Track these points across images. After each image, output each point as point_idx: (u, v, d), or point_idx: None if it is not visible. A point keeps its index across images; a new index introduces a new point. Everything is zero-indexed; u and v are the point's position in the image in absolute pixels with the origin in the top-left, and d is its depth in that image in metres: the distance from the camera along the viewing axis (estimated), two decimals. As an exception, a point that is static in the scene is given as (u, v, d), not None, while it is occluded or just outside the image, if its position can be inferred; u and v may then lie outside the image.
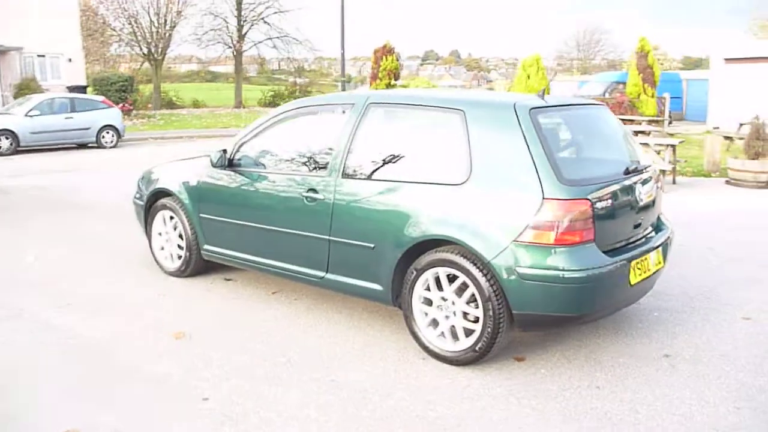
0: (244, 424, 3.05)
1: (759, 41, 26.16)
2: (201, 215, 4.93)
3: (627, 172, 3.80)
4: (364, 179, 3.99)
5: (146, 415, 3.14)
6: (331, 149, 4.19)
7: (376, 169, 3.98)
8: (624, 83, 22.08)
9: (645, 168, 4.04)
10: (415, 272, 3.74)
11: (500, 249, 3.40)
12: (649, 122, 16.37)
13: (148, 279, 5.27)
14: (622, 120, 15.82)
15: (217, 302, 4.73)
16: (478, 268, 3.48)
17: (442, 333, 3.71)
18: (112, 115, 16.78)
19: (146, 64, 33.21)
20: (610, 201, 3.55)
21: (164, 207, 5.26)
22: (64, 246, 6.31)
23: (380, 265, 3.88)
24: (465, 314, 3.63)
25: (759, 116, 11.00)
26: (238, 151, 4.74)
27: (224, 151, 4.72)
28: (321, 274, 4.24)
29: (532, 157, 3.42)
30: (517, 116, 3.55)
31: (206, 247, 4.99)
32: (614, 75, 24.50)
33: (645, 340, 4.05)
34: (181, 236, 5.19)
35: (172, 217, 5.23)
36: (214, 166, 4.72)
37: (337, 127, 4.22)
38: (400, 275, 3.85)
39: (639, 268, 3.67)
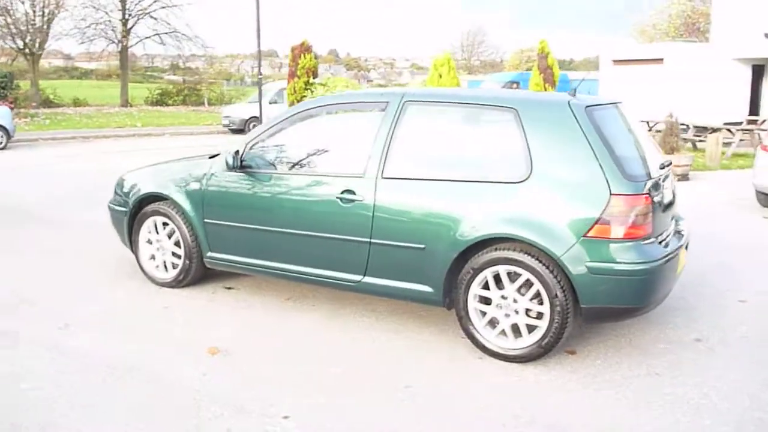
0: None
1: (643, 44, 28.33)
2: (206, 221, 4.61)
3: (662, 166, 3.99)
4: (410, 179, 3.90)
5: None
6: (366, 148, 4.05)
7: (423, 169, 3.91)
8: (518, 83, 23.18)
9: (669, 163, 4.25)
10: (471, 271, 3.70)
11: (570, 245, 3.45)
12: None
13: (141, 291, 4.85)
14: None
15: (231, 313, 4.45)
16: (543, 264, 3.51)
17: (503, 331, 3.71)
18: (1, 114, 15.29)
19: (20, 59, 30.46)
20: (658, 195, 3.71)
21: (155, 213, 4.86)
22: (23, 259, 5.67)
23: (431, 265, 3.82)
24: (527, 311, 3.64)
25: (672, 114, 11.94)
26: (249, 151, 4.47)
27: (237, 152, 4.44)
28: (357, 277, 4.10)
29: (594, 154, 3.50)
30: (574, 114, 3.62)
31: (211, 254, 4.68)
32: (510, 75, 25.60)
33: (671, 326, 4.26)
34: (177, 244, 4.82)
35: (165, 224, 4.85)
36: (230, 168, 4.41)
37: (372, 126, 4.10)
38: (451, 275, 3.80)
39: (681, 259, 3.87)
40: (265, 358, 3.74)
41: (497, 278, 3.69)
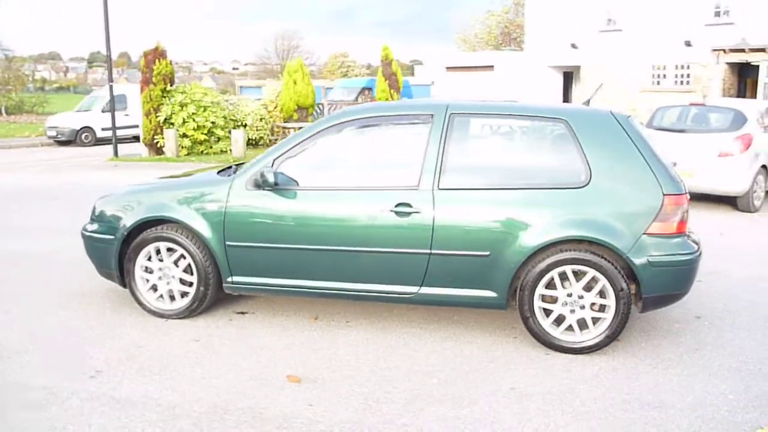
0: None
1: (472, 53, 30.49)
2: (229, 244, 4.30)
3: (674, 164, 4.53)
4: (469, 189, 4.03)
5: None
6: (416, 160, 4.10)
7: (481, 178, 4.05)
8: (370, 89, 23.81)
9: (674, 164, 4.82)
10: (538, 273, 3.93)
11: (634, 242, 3.82)
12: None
13: (147, 326, 4.39)
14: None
15: (270, 337, 4.22)
16: (608, 261, 3.85)
17: (569, 326, 3.99)
18: None
19: None
20: None
21: (159, 239, 4.42)
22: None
23: (496, 271, 3.98)
24: (592, 305, 3.96)
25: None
26: (279, 166, 4.27)
27: (270, 168, 4.20)
28: (413, 289, 4.13)
29: (645, 159, 3.92)
30: (620, 124, 4.01)
31: (233, 279, 4.38)
32: (362, 81, 26.13)
33: (669, 308, 4.84)
34: (186, 271, 4.45)
35: (171, 250, 4.44)
36: (263, 186, 4.17)
37: (419, 138, 4.15)
38: (515, 279, 4.00)
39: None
40: (352, 380, 3.64)
41: (562, 278, 3.95)
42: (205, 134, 15.51)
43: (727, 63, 20.74)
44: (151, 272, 4.53)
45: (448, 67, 24.74)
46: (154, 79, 14.99)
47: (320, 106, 19.61)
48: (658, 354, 4.02)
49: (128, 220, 4.47)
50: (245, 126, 16.71)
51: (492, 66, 23.66)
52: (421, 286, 4.12)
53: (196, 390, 3.47)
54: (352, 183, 4.22)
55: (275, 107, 18.06)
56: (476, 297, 4.07)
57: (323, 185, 4.24)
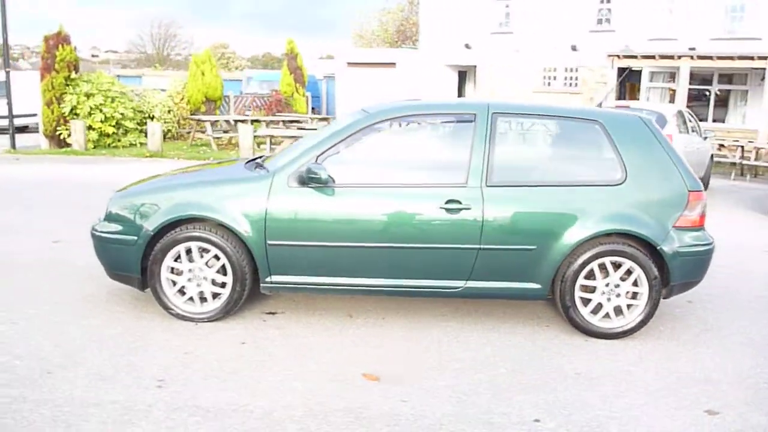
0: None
1: (374, 49, 30.68)
2: (270, 242, 4.19)
3: None
4: (516, 185, 4.21)
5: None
6: (462, 158, 4.22)
7: (525, 175, 4.25)
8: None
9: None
10: (579, 265, 4.20)
11: (665, 235, 4.19)
12: (319, 120, 17.86)
13: (180, 331, 4.17)
14: (294, 121, 17.11)
15: (318, 336, 4.16)
16: (643, 252, 4.19)
17: (607, 314, 4.29)
18: None
19: None
20: None
21: (190, 238, 4.22)
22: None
23: (541, 264, 4.20)
24: (626, 293, 4.28)
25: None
26: (322, 163, 4.22)
27: (315, 166, 4.14)
28: (460, 283, 4.25)
29: (670, 158, 4.29)
30: (647, 126, 4.36)
31: (273, 278, 4.27)
32: (272, 74, 25.57)
33: (661, 294, 5.32)
34: (219, 271, 4.28)
35: (203, 250, 4.25)
36: (316, 183, 4.10)
37: (464, 136, 4.27)
38: (558, 270, 4.24)
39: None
40: (427, 374, 3.70)
41: (601, 269, 4.24)
42: (114, 126, 14.56)
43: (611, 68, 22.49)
44: (179, 274, 4.31)
45: (349, 63, 24.83)
46: (56, 66, 13.85)
47: (227, 98, 19.04)
48: (677, 336, 4.42)
49: (156, 219, 4.21)
50: (152, 118, 15.87)
51: (394, 63, 24.05)
52: (467, 280, 4.24)
53: (281, 394, 3.38)
54: (400, 180, 4.26)
55: (182, 99, 17.30)
56: (521, 289, 4.27)
57: (370, 182, 4.24)
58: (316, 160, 4.21)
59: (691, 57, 16.53)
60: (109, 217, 4.37)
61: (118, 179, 10.26)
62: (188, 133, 16.40)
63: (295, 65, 21.14)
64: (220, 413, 3.17)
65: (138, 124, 15.04)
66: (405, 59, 24.38)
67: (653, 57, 17.38)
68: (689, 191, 4.26)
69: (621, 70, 20.05)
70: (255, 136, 12.94)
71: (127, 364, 3.67)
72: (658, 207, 4.23)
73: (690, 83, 21.32)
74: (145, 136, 14.65)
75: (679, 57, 16.74)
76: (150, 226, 4.21)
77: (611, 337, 4.28)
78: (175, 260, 4.28)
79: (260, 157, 5.26)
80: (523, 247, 4.18)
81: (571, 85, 23.96)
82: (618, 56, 17.53)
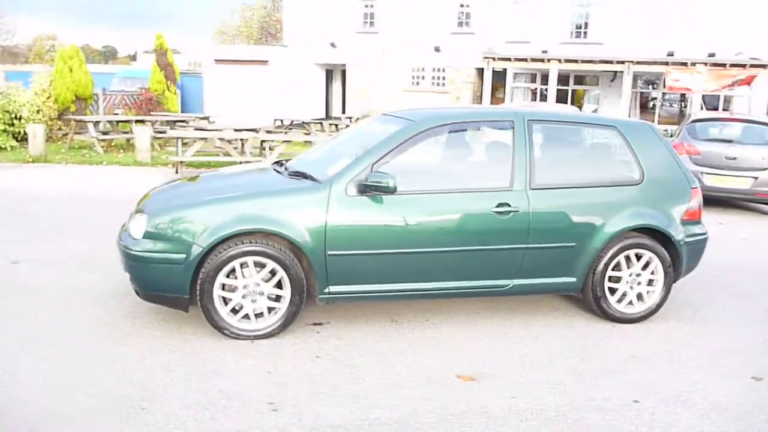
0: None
1: (245, 46, 29.62)
2: (330, 252, 4.15)
3: None
4: (557, 188, 4.53)
5: None
6: (506, 163, 4.47)
7: (563, 178, 4.59)
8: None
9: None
10: (609, 258, 4.62)
11: (677, 227, 4.74)
12: (200, 119, 17.23)
13: (244, 350, 4.00)
14: (180, 121, 16.40)
15: (388, 344, 4.18)
16: (660, 244, 4.71)
17: (630, 302, 4.76)
18: None
19: None
20: None
21: (246, 253, 4.05)
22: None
23: (579, 259, 4.57)
24: (646, 281, 4.78)
25: (370, 111, 13.77)
26: (378, 171, 4.24)
27: (377, 175, 4.15)
28: (507, 282, 4.51)
29: (674, 158, 4.86)
30: (654, 131, 4.89)
31: (331, 289, 4.23)
32: (136, 71, 23.80)
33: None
34: (277, 285, 4.16)
35: (258, 264, 4.10)
36: (379, 191, 4.11)
37: (504, 142, 4.52)
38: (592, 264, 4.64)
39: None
40: (515, 371, 3.89)
41: (627, 260, 4.69)
42: (-23, 129, 12.93)
43: (476, 68, 23.90)
44: (232, 290, 4.11)
45: (217, 60, 23.98)
46: None
47: (96, 96, 17.59)
48: (683, 315, 5.00)
49: (210, 235, 3.98)
50: (20, 119, 14.28)
51: (266, 61, 23.61)
52: (514, 279, 4.50)
53: (397, 401, 3.41)
54: (453, 186, 4.40)
55: (48, 97, 15.72)
56: (559, 283, 4.61)
57: (428, 189, 4.33)
58: (372, 169, 4.22)
59: (559, 60, 18.10)
60: (150, 235, 4.05)
61: (8, 188, 9.22)
62: (65, 135, 14.96)
63: (165, 61, 19.97)
64: (353, 428, 3.14)
65: (6, 125, 13.46)
66: (278, 57, 24.04)
67: (525, 60, 18.77)
68: (691, 188, 4.85)
69: (483, 71, 21.39)
70: (155, 137, 12.16)
71: (219, 390, 3.47)
72: (670, 203, 4.76)
73: (544, 84, 23.31)
74: (16, 139, 13.19)
75: (549, 60, 18.25)
76: (203, 242, 3.98)
77: (633, 322, 4.75)
78: (226, 276, 4.08)
79: (277, 162, 5.17)
80: (564, 245, 4.51)
81: (438, 84, 25.10)
82: (493, 58, 18.69)
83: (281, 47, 25.45)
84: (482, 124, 4.69)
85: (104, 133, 14.82)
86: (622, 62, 17.52)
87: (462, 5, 25.31)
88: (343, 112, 26.14)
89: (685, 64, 17.17)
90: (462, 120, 4.64)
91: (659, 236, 4.71)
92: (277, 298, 4.19)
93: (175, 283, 4.03)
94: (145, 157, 12.38)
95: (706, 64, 16.78)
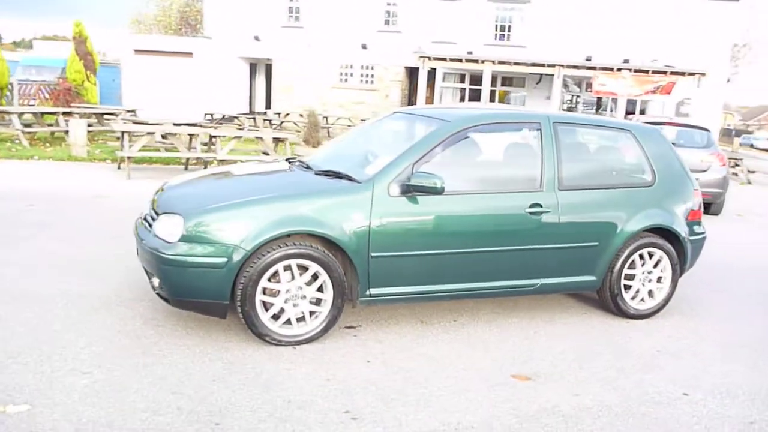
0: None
1: (168, 37, 28.20)
2: (373, 254, 4.07)
3: None
4: (580, 189, 4.65)
5: None
6: (534, 164, 4.55)
7: (586, 179, 4.72)
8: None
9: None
10: (625, 257, 4.81)
11: (684, 226, 5.00)
12: (127, 111, 16.42)
13: (291, 358, 3.85)
14: (108, 113, 15.58)
15: (431, 347, 4.15)
16: (669, 242, 4.95)
17: (642, 299, 4.97)
18: None
19: None
20: None
21: (290, 256, 3.89)
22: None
23: (600, 259, 4.72)
24: (656, 279, 5.01)
25: (315, 110, 13.56)
26: (418, 173, 4.20)
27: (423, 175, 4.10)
28: (535, 281, 4.59)
29: (679, 161, 5.12)
30: (661, 135, 5.12)
31: (372, 291, 4.15)
32: (61, 61, 22.11)
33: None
34: (320, 289, 4.04)
35: (302, 267, 3.96)
36: (424, 192, 4.05)
37: (533, 143, 4.59)
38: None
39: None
40: (566, 367, 3.96)
41: (641, 258, 4.90)
42: None
43: (405, 67, 24.11)
44: (273, 295, 3.94)
45: (137, 50, 22.80)
46: None
47: (11, 85, 16.33)
48: (682, 311, 5.27)
49: (253, 237, 3.79)
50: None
51: (191, 53, 22.72)
52: (541, 278, 4.59)
53: (472, 406, 3.40)
54: (488, 186, 4.42)
55: (-41, 86, 14.43)
56: (582, 282, 4.74)
57: (464, 189, 4.33)
58: (413, 169, 4.16)
59: (493, 62, 18.57)
60: (187, 238, 3.80)
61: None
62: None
63: (84, 50, 18.87)
64: (447, 434, 3.10)
65: None
66: (202, 49, 23.21)
67: (460, 60, 19.11)
68: (694, 189, 5.12)
69: (418, 70, 21.62)
70: (90, 131, 11.42)
71: (287, 401, 3.32)
72: (677, 203, 5.01)
73: (472, 84, 23.88)
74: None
75: (483, 61, 18.69)
76: (247, 245, 3.78)
77: (644, 318, 4.97)
78: (268, 280, 3.91)
79: (291, 159, 5.04)
80: (589, 244, 4.64)
81: (367, 82, 25.11)
82: (429, 58, 18.91)
83: (206, 39, 24.57)
84: (512, 126, 4.74)
85: (27, 126, 13.76)
86: (553, 66, 18.24)
87: (389, 3, 25.43)
88: (269, 108, 25.65)
89: (611, 69, 18.10)
90: (493, 121, 4.66)
91: (669, 235, 4.94)
92: (317, 302, 4.05)
93: (214, 288, 3.81)
94: (81, 152, 11.61)
95: (630, 69, 17.76)
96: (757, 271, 6.89)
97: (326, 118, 20.74)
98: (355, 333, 4.30)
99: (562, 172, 4.58)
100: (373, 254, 4.05)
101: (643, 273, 4.93)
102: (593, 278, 4.75)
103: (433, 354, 4.05)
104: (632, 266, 4.88)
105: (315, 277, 4.00)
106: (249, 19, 25.67)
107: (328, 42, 24.96)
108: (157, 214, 4.12)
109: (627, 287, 4.91)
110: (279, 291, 3.94)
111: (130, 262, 5.48)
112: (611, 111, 21.82)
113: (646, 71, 17.88)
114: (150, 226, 4.14)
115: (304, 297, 4.00)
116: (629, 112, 19.61)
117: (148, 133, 10.42)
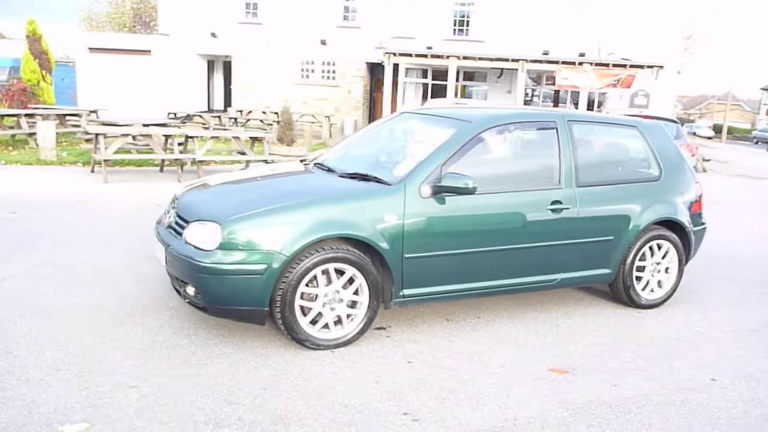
0: None
1: (125, 34, 27.35)
2: (407, 256, 4.11)
3: None
4: (595, 185, 4.79)
5: None
6: (552, 161, 4.66)
7: (600, 175, 4.86)
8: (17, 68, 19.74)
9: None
10: (636, 249, 4.98)
11: (688, 218, 5.20)
12: (90, 113, 15.99)
13: (329, 360, 3.86)
14: (65, 115, 15.14)
15: (465, 345, 4.22)
16: (675, 233, 5.15)
17: (652, 289, 5.15)
18: None
19: None
20: None
21: (328, 260, 3.90)
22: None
23: (614, 252, 4.88)
24: (664, 269, 5.20)
25: (288, 108, 13.43)
26: (447, 172, 4.25)
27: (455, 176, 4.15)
28: (556, 276, 4.72)
29: (680, 156, 5.32)
30: (664, 130, 5.32)
31: (406, 292, 4.20)
32: (8, 60, 21.17)
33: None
34: (355, 292, 4.06)
35: (339, 271, 3.98)
36: (467, 191, 4.09)
37: (549, 142, 4.70)
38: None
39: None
40: (597, 360, 4.09)
41: (651, 250, 5.08)
42: None
43: (366, 63, 24.09)
44: (311, 299, 3.94)
45: (92, 48, 22.08)
46: None
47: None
48: (684, 299, 5.49)
49: (293, 242, 3.78)
50: None
51: (149, 51, 22.14)
52: (561, 273, 4.71)
53: (522, 401, 3.48)
54: (512, 185, 4.51)
55: None
56: (597, 275, 4.89)
57: (488, 188, 4.39)
58: (441, 170, 4.21)
59: (458, 57, 18.73)
60: (225, 245, 3.76)
61: None
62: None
63: (39, 49, 18.20)
64: (503, 430, 3.17)
65: None
66: (160, 47, 22.66)
67: (426, 56, 19.21)
68: (695, 182, 5.33)
69: (375, 66, 21.62)
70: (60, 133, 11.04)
71: (344, 405, 3.34)
72: (682, 196, 5.21)
73: (434, 80, 24.04)
74: None
75: (448, 57, 18.83)
76: (287, 250, 3.77)
77: (654, 307, 5.16)
78: (306, 285, 3.91)
79: (302, 160, 5.06)
80: (605, 238, 4.79)
81: (329, 78, 24.99)
82: (394, 53, 18.95)
83: (163, 36, 23.99)
84: (530, 125, 4.83)
85: (-16, 129, 13.20)
86: (517, 60, 18.53)
87: (347, -1, 25.32)
88: (229, 105, 25.27)
89: (573, 63, 18.50)
90: (512, 121, 4.74)
91: (675, 227, 5.13)
92: (352, 305, 4.07)
93: (254, 295, 3.78)
94: (50, 156, 11.23)
95: (592, 63, 18.20)
96: (738, 259, 7.20)
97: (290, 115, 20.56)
98: (387, 334, 4.33)
99: (578, 169, 4.70)
100: (406, 255, 4.09)
101: (652, 264, 5.11)
102: (608, 271, 4.91)
103: (468, 351, 4.12)
104: (643, 258, 5.05)
105: (350, 280, 4.01)
106: (205, 15, 25.17)
107: (288, 38, 24.72)
108: (185, 221, 4.06)
109: (638, 278, 5.08)
110: (317, 295, 3.94)
111: (139, 269, 5.40)
112: (573, 104, 22.34)
113: (607, 65, 18.35)
114: (177, 233, 4.08)
115: (341, 300, 4.01)
116: (574, 104, 20.06)
117: (123, 135, 10.15)
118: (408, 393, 3.50)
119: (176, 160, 10.45)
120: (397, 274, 4.10)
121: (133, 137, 11.61)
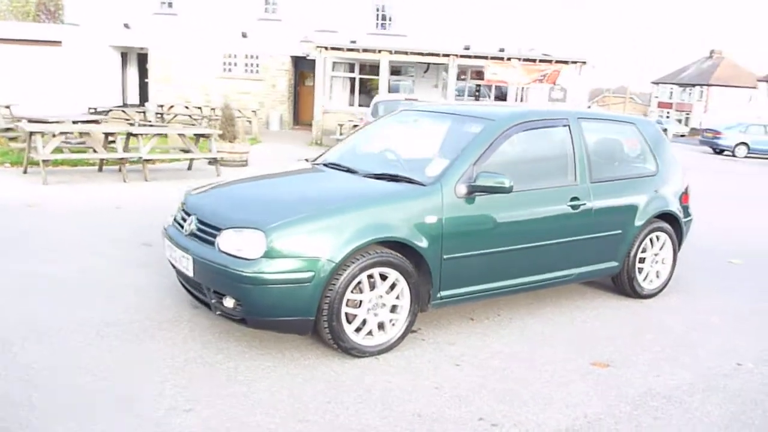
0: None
1: (31, 24, 25.24)
2: (446, 257, 4.06)
3: None
4: (605, 181, 4.92)
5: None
6: (567, 158, 4.76)
7: (608, 171, 5.01)
8: None
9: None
10: (639, 241, 5.17)
11: (680, 210, 5.45)
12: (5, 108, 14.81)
13: (375, 367, 3.75)
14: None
15: (502, 344, 4.21)
16: (671, 225, 5.39)
17: (651, 279, 5.36)
18: None
19: None
20: None
21: (374, 264, 3.77)
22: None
23: (622, 245, 5.05)
24: (661, 260, 5.42)
25: (230, 105, 12.92)
26: (480, 172, 4.23)
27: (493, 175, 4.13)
28: (572, 271, 4.82)
29: (671, 150, 5.57)
30: (656, 126, 5.54)
31: (443, 293, 4.15)
32: None
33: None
34: (397, 297, 3.97)
35: (383, 275, 3.88)
36: (504, 190, 4.07)
37: (563, 139, 4.79)
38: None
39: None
40: (630, 352, 4.18)
41: (651, 242, 5.28)
42: None
43: (291, 56, 23.63)
44: (356, 306, 3.82)
45: (-7, 38, 20.39)
46: None
47: None
48: (676, 288, 5.74)
49: (340, 248, 3.64)
50: None
51: (60, 41, 20.67)
52: (576, 267, 4.82)
53: (584, 399, 3.53)
54: (536, 182, 4.55)
55: None
56: (606, 268, 5.04)
57: (517, 187, 4.39)
58: (473, 170, 4.19)
59: (390, 51, 18.70)
60: (270, 253, 3.56)
61: None
62: None
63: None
64: (579, 429, 3.20)
65: None
66: (72, 38, 21.24)
67: (357, 50, 19.06)
68: (683, 175, 5.60)
69: (299, 59, 21.27)
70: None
71: (416, 415, 3.25)
72: (674, 189, 5.45)
73: (361, 74, 23.98)
74: None
75: (380, 51, 18.76)
76: (335, 256, 3.62)
77: (652, 297, 5.38)
78: (351, 291, 3.78)
79: (307, 159, 4.95)
80: (615, 232, 4.94)
81: (252, 71, 24.35)
82: (326, 47, 18.66)
83: (73, 26, 22.48)
84: (547, 123, 4.86)
85: None
86: (447, 55, 18.75)
87: (268, -10, 24.73)
88: (146, 100, 24.09)
89: (501, 59, 18.93)
90: (532, 119, 4.75)
91: (670, 219, 5.36)
92: (393, 309, 3.98)
93: (301, 304, 3.61)
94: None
95: (520, 59, 18.69)
96: (714, 250, 7.62)
97: (213, 109, 19.88)
98: (421, 337, 4.26)
99: (591, 166, 4.81)
100: (445, 256, 4.04)
101: (652, 255, 5.31)
102: (616, 264, 5.06)
103: (507, 351, 4.12)
104: (644, 250, 5.25)
105: (392, 285, 3.92)
106: (116, 5, 23.81)
107: (207, 30, 23.84)
108: (215, 228, 3.81)
109: (640, 269, 5.27)
110: (361, 302, 3.82)
111: (132, 278, 5.08)
112: (494, 99, 22.90)
113: (534, 60, 18.91)
114: (206, 241, 3.82)
115: (384, 305, 3.91)
116: (495, 98, 20.54)
117: (62, 133, 9.44)
118: (473, 397, 3.46)
119: (120, 159, 9.84)
120: (436, 276, 4.04)
121: (66, 135, 10.82)
